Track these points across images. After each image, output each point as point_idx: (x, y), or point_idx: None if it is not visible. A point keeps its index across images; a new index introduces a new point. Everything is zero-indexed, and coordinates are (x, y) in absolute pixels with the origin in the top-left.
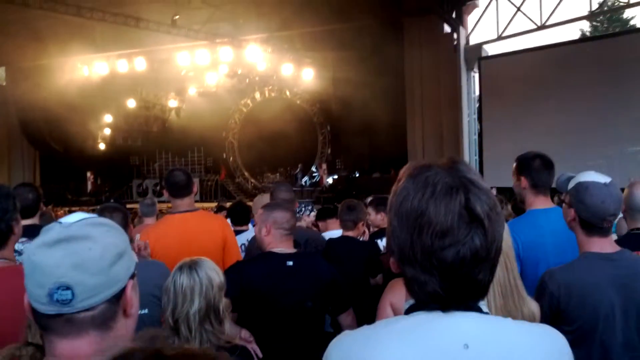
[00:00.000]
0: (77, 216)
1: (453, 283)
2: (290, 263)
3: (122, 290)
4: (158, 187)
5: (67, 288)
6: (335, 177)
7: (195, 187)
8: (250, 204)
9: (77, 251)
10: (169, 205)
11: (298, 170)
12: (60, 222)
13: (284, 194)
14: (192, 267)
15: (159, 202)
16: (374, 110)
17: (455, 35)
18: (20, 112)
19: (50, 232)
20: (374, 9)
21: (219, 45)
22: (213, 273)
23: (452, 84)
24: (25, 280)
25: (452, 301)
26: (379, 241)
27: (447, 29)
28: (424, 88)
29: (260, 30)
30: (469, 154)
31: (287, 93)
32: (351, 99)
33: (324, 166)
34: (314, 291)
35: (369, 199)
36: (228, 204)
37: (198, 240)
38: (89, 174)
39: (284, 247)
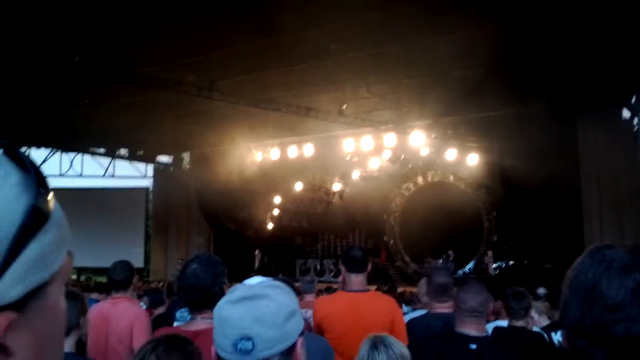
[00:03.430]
0: (257, 279)
1: None
2: (474, 347)
3: (293, 345)
4: (319, 267)
5: (249, 339)
6: (502, 264)
7: (370, 266)
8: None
9: (258, 307)
10: (329, 285)
11: (450, 258)
12: (244, 284)
13: (441, 279)
14: (386, 344)
15: (319, 281)
16: (545, 197)
17: (635, 121)
18: (199, 193)
19: (236, 291)
20: (544, 96)
21: (383, 131)
22: (404, 349)
23: (633, 173)
24: (214, 332)
25: None
26: (553, 334)
27: (626, 114)
28: (601, 176)
29: (424, 116)
30: None
31: (451, 178)
32: (519, 185)
33: (490, 253)
34: None
35: (540, 290)
36: (385, 288)
37: (365, 322)
38: (256, 251)
39: (469, 328)
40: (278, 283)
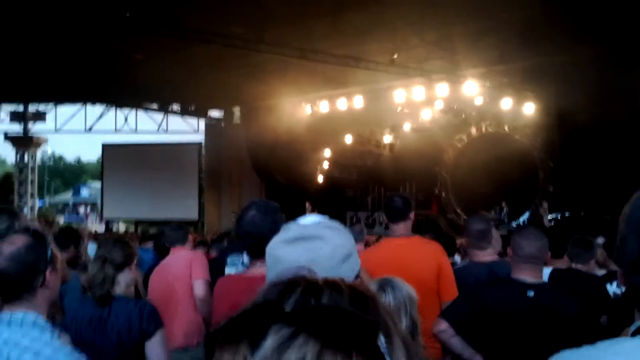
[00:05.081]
0: (312, 218)
1: None
2: (531, 294)
3: None
4: (370, 220)
5: None
6: (557, 216)
7: (412, 215)
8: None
9: (312, 249)
10: (379, 236)
11: (504, 210)
12: (298, 223)
13: (478, 225)
14: (393, 286)
15: (370, 233)
16: (604, 146)
17: None
18: (251, 147)
19: (290, 231)
20: (602, 39)
21: (435, 81)
22: (412, 291)
23: None
24: (267, 270)
25: None
26: (608, 285)
27: None
28: None
29: (477, 64)
30: None
31: (506, 128)
32: (577, 134)
33: (545, 204)
34: (552, 326)
35: (599, 240)
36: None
37: (413, 266)
38: (307, 204)
39: (526, 275)
40: (334, 223)
